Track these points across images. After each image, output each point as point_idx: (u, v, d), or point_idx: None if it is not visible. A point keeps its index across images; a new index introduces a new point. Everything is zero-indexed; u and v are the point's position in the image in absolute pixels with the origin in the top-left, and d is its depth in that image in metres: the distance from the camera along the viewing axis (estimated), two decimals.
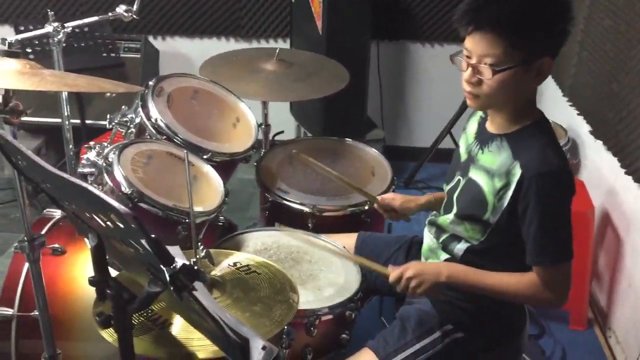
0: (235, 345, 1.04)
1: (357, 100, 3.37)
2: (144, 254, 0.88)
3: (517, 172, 1.41)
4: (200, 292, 0.94)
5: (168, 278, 0.83)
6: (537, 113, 1.49)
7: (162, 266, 0.84)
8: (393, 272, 1.56)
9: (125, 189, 1.64)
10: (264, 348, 1.06)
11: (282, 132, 2.91)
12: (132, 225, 0.81)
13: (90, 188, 0.82)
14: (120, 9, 1.99)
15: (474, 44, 1.38)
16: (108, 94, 3.45)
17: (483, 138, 1.54)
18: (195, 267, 0.84)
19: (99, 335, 1.24)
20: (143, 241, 0.82)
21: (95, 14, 1.99)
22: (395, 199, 1.85)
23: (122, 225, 0.85)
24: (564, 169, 1.42)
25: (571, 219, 1.44)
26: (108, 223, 0.92)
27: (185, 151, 1.28)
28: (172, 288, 0.84)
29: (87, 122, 3.23)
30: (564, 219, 1.43)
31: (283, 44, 3.63)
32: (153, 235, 0.81)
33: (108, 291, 1.08)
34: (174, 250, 0.89)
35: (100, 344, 1.57)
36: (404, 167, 3.68)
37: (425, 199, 1.83)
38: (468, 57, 1.41)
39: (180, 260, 0.83)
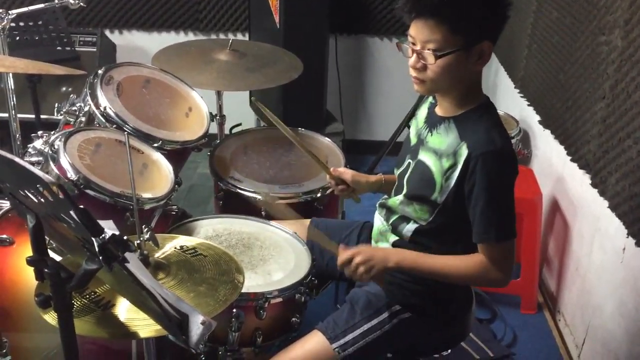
0: (173, 320, 1.05)
1: (316, 94, 3.40)
2: (76, 228, 0.89)
3: (464, 152, 1.45)
4: (135, 266, 0.95)
5: (97, 248, 0.83)
6: (482, 96, 1.53)
7: (91, 237, 0.84)
8: (342, 255, 1.57)
9: (71, 175, 1.63)
10: (203, 323, 1.07)
11: (239, 124, 2.91)
12: (60, 197, 0.81)
13: (17, 160, 0.83)
14: None
15: (416, 31, 1.42)
16: (64, 88, 3.41)
17: (432, 121, 1.59)
18: (125, 238, 0.85)
19: (46, 326, 1.24)
20: (72, 212, 0.83)
21: (43, 2, 1.96)
22: (347, 172, 1.84)
23: (51, 199, 0.85)
24: (507, 149, 1.47)
25: (514, 199, 1.48)
26: (40, 198, 0.92)
27: (125, 133, 1.29)
28: (101, 258, 0.84)
29: (42, 117, 3.18)
30: (508, 197, 1.48)
31: (242, 38, 3.64)
32: (81, 206, 0.82)
33: (46, 270, 1.09)
34: (107, 224, 0.90)
35: (48, 334, 1.57)
36: (364, 160, 3.71)
37: (376, 177, 1.84)
38: (413, 43, 1.45)
39: (109, 231, 0.84)
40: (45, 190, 0.84)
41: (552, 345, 2.44)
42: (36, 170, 0.80)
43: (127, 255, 0.89)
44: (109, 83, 1.95)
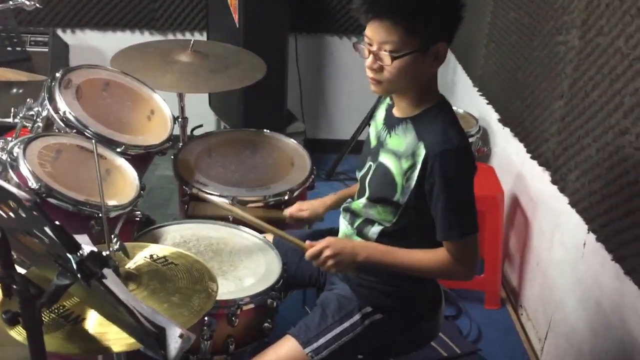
0: (151, 334, 1.02)
1: (276, 93, 3.37)
2: (50, 244, 0.85)
3: (422, 152, 1.47)
4: (111, 280, 0.92)
5: (75, 266, 0.80)
6: (438, 96, 1.55)
7: (68, 254, 0.81)
8: (311, 249, 1.57)
9: (32, 184, 1.57)
10: (181, 336, 1.05)
11: (200, 125, 2.87)
12: (34, 213, 0.78)
13: None
14: None
15: (373, 32, 1.43)
16: (14, 90, 3.29)
17: (390, 123, 1.59)
18: (103, 253, 0.82)
19: (9, 340, 1.19)
20: (47, 229, 0.79)
21: None
22: (302, 209, 1.87)
23: (24, 215, 0.82)
24: (464, 146, 1.49)
25: (474, 195, 1.50)
26: (10, 214, 0.88)
27: (93, 141, 1.25)
28: (79, 276, 0.81)
29: None
30: (468, 194, 1.50)
31: (199, 37, 3.58)
32: (57, 222, 0.78)
33: (14, 287, 1.04)
34: (81, 238, 0.87)
35: (10, 348, 1.50)
36: (326, 159, 3.72)
37: (330, 200, 1.87)
38: (369, 44, 1.45)
39: (87, 247, 0.81)
40: (18, 206, 0.80)
41: (516, 340, 2.50)
42: (9, 186, 0.76)
43: (104, 270, 0.86)
44: (68, 86, 1.89)
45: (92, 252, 0.81)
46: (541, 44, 2.33)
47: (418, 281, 1.65)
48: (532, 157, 2.38)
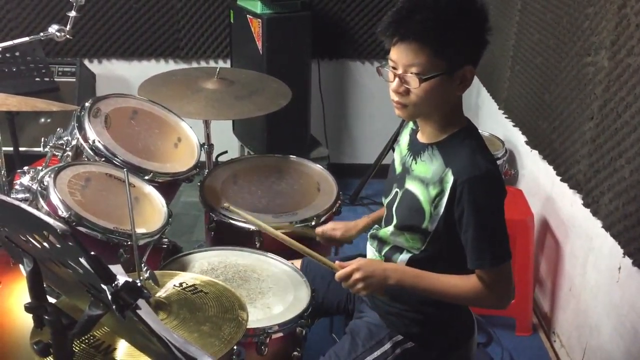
0: None
1: (300, 118, 3.39)
2: (84, 274, 0.84)
3: (450, 179, 1.44)
4: (145, 311, 0.90)
5: (110, 297, 0.79)
6: (464, 120, 1.53)
7: (102, 285, 0.80)
8: (341, 270, 1.54)
9: (62, 212, 1.58)
10: None
11: (225, 152, 2.88)
12: (70, 243, 0.77)
13: (24, 206, 0.78)
14: (53, 28, 1.92)
15: (399, 55, 1.41)
16: (42, 120, 3.34)
17: (415, 149, 1.57)
18: (138, 284, 0.81)
19: None
20: (82, 260, 0.78)
21: (26, 36, 1.92)
22: (335, 229, 1.86)
23: (58, 245, 0.81)
24: (493, 172, 1.46)
25: (505, 220, 1.47)
26: (44, 244, 0.87)
27: (125, 170, 1.25)
28: (114, 307, 0.80)
29: (21, 149, 3.11)
30: (498, 220, 1.46)
31: (223, 65, 3.62)
32: (92, 253, 0.78)
33: (46, 317, 1.03)
34: (115, 268, 0.86)
35: None
36: (349, 184, 3.70)
37: (363, 222, 1.85)
38: (394, 67, 1.44)
39: (122, 278, 0.80)
40: (53, 236, 0.79)
41: None
42: (47, 217, 0.76)
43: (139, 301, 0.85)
44: (97, 115, 1.91)
45: (126, 282, 0.79)
46: (568, 66, 2.30)
47: (448, 309, 1.61)
48: (562, 180, 2.34)
